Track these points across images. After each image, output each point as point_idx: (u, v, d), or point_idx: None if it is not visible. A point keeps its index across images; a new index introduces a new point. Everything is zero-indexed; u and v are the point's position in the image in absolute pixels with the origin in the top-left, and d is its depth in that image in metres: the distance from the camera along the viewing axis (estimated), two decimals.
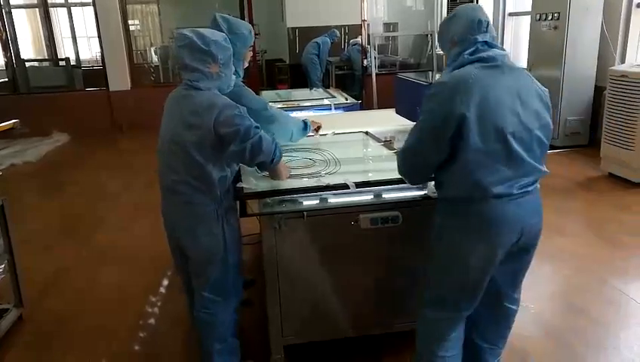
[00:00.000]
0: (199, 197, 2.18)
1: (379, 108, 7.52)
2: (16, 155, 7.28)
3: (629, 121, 4.92)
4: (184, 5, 10.97)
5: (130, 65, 9.13)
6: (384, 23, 10.62)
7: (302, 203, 2.29)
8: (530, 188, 1.89)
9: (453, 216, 1.96)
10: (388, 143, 3.03)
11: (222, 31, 2.44)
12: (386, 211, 2.30)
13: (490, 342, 2.21)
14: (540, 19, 6.33)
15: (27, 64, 9.69)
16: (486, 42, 1.89)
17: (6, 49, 9.21)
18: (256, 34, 3.46)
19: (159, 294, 3.45)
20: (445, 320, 2.08)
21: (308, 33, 10.30)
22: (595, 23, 5.96)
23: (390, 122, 3.72)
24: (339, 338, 2.60)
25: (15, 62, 9.35)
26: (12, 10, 9.56)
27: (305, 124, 2.95)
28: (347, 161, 2.77)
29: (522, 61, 7.09)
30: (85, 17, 11.17)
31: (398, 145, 2.70)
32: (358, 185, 2.30)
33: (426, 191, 2.34)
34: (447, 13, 9.29)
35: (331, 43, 9.70)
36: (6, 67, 9.31)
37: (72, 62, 9.97)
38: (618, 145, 5.05)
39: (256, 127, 2.15)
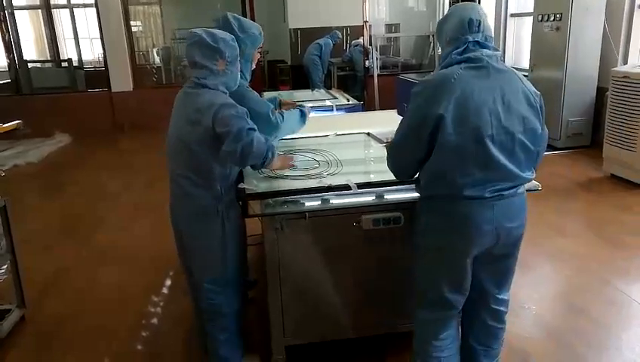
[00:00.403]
0: (200, 192, 2.24)
1: (380, 109, 7.53)
2: (19, 156, 7.29)
3: (632, 122, 4.91)
4: (186, 6, 10.98)
5: (132, 67, 9.14)
6: (386, 24, 10.61)
7: (304, 204, 2.29)
8: (505, 193, 1.88)
9: (432, 213, 1.98)
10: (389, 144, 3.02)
11: (233, 30, 2.48)
12: (387, 212, 2.30)
13: (483, 344, 2.21)
14: (542, 20, 6.33)
15: (30, 65, 9.69)
16: (477, 42, 1.88)
17: (9, 50, 9.22)
18: None
19: (160, 294, 3.45)
20: (435, 321, 2.10)
21: (309, 34, 10.30)
22: (597, 23, 5.96)
23: (392, 123, 3.67)
24: (340, 338, 2.60)
25: (18, 63, 9.36)
26: (15, 11, 9.58)
27: (302, 112, 2.91)
28: (349, 162, 2.77)
29: (524, 62, 7.09)
30: (88, 18, 11.16)
31: None
32: (360, 186, 2.31)
33: None
34: None
35: (333, 44, 9.70)
36: (9, 68, 9.32)
37: (75, 64, 9.98)
38: (620, 146, 5.04)
39: (251, 129, 2.15)
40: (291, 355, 2.53)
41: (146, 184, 5.79)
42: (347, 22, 10.28)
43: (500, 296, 2.14)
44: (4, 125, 4.28)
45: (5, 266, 3.24)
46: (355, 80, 9.82)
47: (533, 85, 1.97)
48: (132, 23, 9.35)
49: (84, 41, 11.38)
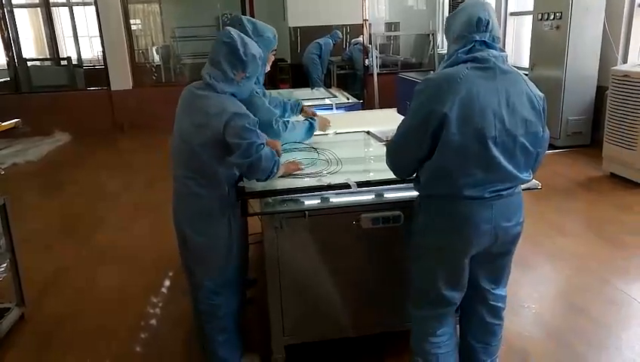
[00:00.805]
0: (206, 192, 2.24)
1: (380, 107, 7.52)
2: (18, 155, 7.29)
3: (631, 121, 4.91)
4: (186, 4, 10.97)
5: (131, 65, 9.13)
6: (386, 23, 10.61)
7: (303, 202, 2.28)
8: (503, 193, 1.89)
9: (431, 212, 1.98)
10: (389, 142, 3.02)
11: (247, 33, 2.48)
12: (387, 211, 2.30)
13: (482, 341, 2.21)
14: (541, 19, 6.32)
15: (29, 63, 9.69)
16: (484, 42, 1.86)
17: (8, 48, 9.22)
18: None
19: (160, 294, 3.45)
20: (432, 318, 2.11)
21: (309, 33, 10.29)
22: (597, 22, 5.95)
23: (392, 122, 3.67)
24: (340, 338, 2.59)
25: (17, 62, 9.36)
26: (14, 9, 9.56)
27: (310, 125, 2.98)
28: (348, 161, 2.77)
29: (524, 61, 7.08)
30: (87, 17, 11.16)
31: None
32: (360, 184, 2.31)
33: None
34: (449, 12, 9.31)
35: (333, 44, 9.70)
36: (8, 66, 9.32)
37: (74, 62, 9.97)
38: (620, 145, 5.04)
39: (261, 144, 2.16)
40: (291, 354, 2.53)
41: (146, 183, 5.79)
42: (347, 20, 10.27)
43: (497, 292, 2.15)
44: (4, 123, 4.27)
45: (5, 265, 3.23)
46: (354, 78, 9.81)
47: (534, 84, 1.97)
48: (132, 21, 9.33)
49: (83, 39, 11.38)
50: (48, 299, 3.43)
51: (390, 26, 10.70)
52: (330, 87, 6.56)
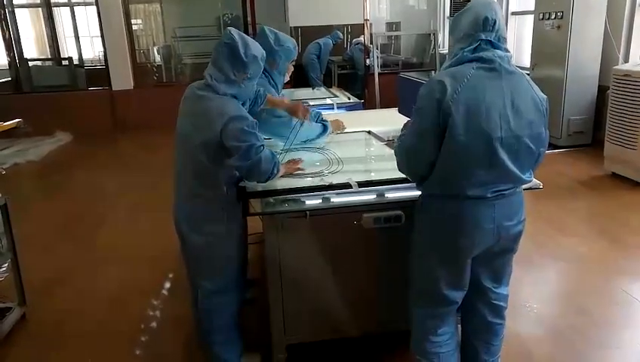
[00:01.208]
0: (205, 192, 2.25)
1: (381, 107, 7.51)
2: (19, 154, 7.29)
3: (633, 121, 4.90)
4: (187, 4, 10.96)
5: (132, 65, 9.12)
6: (387, 23, 10.60)
7: (304, 202, 2.28)
8: (505, 192, 1.89)
9: (433, 212, 1.98)
10: (390, 143, 3.02)
11: (269, 42, 2.49)
12: (388, 211, 2.29)
13: (484, 341, 2.21)
14: (543, 19, 6.31)
15: (30, 63, 9.67)
16: (490, 41, 1.85)
17: (9, 48, 9.21)
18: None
19: (160, 294, 3.45)
20: (433, 317, 2.11)
21: (310, 33, 10.28)
22: (598, 22, 5.95)
23: (393, 121, 3.70)
24: (341, 337, 2.59)
25: (18, 62, 9.35)
26: (15, 9, 9.56)
27: (324, 127, 3.02)
28: (350, 161, 2.77)
29: (525, 60, 7.08)
30: (88, 17, 11.18)
31: None
32: (361, 184, 2.31)
33: None
34: (450, 12, 9.31)
35: (334, 44, 9.69)
36: (9, 66, 9.31)
37: (75, 62, 9.96)
38: (621, 144, 5.03)
39: (260, 146, 2.16)
40: (292, 354, 2.52)
41: (147, 183, 5.78)
42: (348, 20, 10.25)
43: (499, 291, 2.14)
44: (5, 123, 4.27)
45: (6, 265, 3.24)
46: (355, 78, 9.80)
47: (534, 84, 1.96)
48: (132, 21, 9.33)
49: (84, 39, 11.36)
50: (49, 299, 3.43)
51: (391, 25, 10.68)
52: (331, 87, 6.56)
